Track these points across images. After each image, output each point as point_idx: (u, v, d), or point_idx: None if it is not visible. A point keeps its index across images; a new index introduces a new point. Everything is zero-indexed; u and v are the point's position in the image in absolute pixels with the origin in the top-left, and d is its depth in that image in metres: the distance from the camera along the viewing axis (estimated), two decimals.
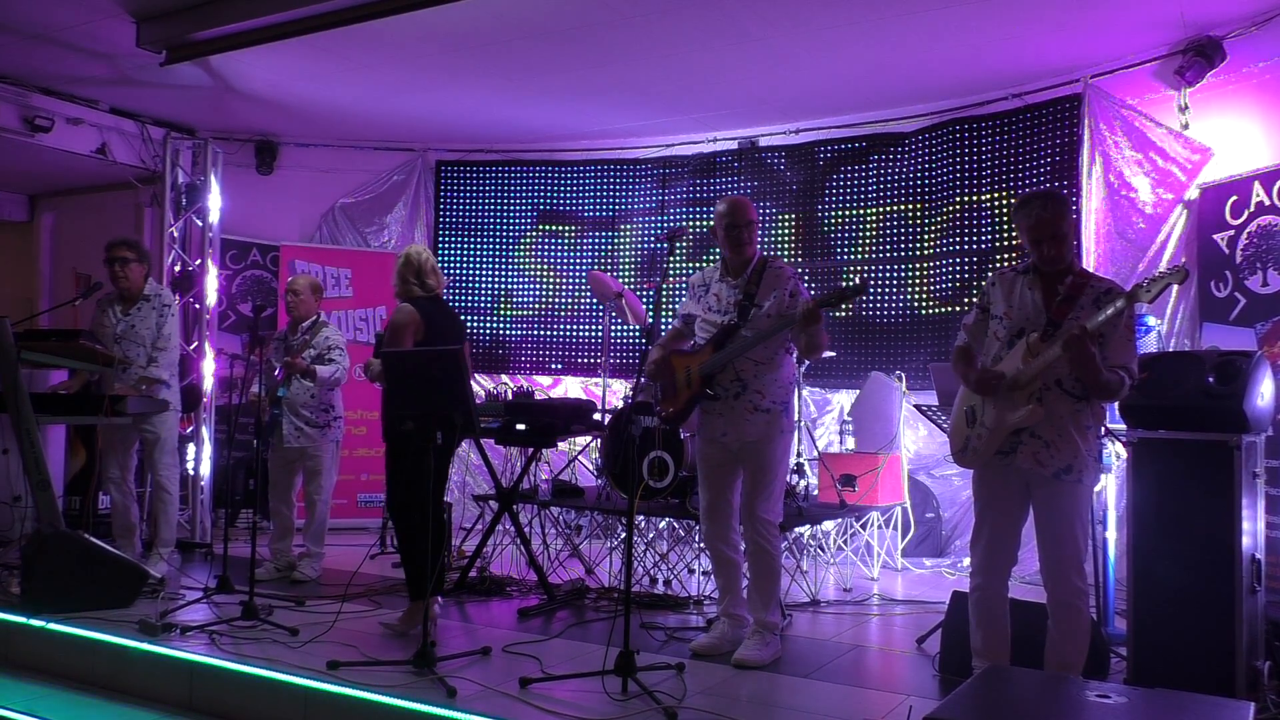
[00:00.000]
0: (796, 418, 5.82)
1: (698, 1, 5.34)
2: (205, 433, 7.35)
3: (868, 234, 7.27)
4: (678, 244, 7.57)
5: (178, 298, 7.50)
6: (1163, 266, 5.85)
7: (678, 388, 4.24)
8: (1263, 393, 3.71)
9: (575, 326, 8.25)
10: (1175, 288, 5.75)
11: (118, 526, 5.66)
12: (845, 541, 6.04)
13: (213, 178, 7.66)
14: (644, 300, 7.10)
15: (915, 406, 5.96)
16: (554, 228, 8.34)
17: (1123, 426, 3.99)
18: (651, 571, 5.67)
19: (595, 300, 7.63)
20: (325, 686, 3.61)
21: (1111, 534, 4.70)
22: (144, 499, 6.06)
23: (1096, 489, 4.62)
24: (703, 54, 6.10)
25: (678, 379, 4.24)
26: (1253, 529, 3.62)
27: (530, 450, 5.62)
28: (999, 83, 6.52)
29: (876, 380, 6.73)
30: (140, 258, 5.65)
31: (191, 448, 7.37)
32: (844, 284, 3.82)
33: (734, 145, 7.75)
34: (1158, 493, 3.73)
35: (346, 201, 8.36)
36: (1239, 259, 5.32)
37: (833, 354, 7.07)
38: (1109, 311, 3.23)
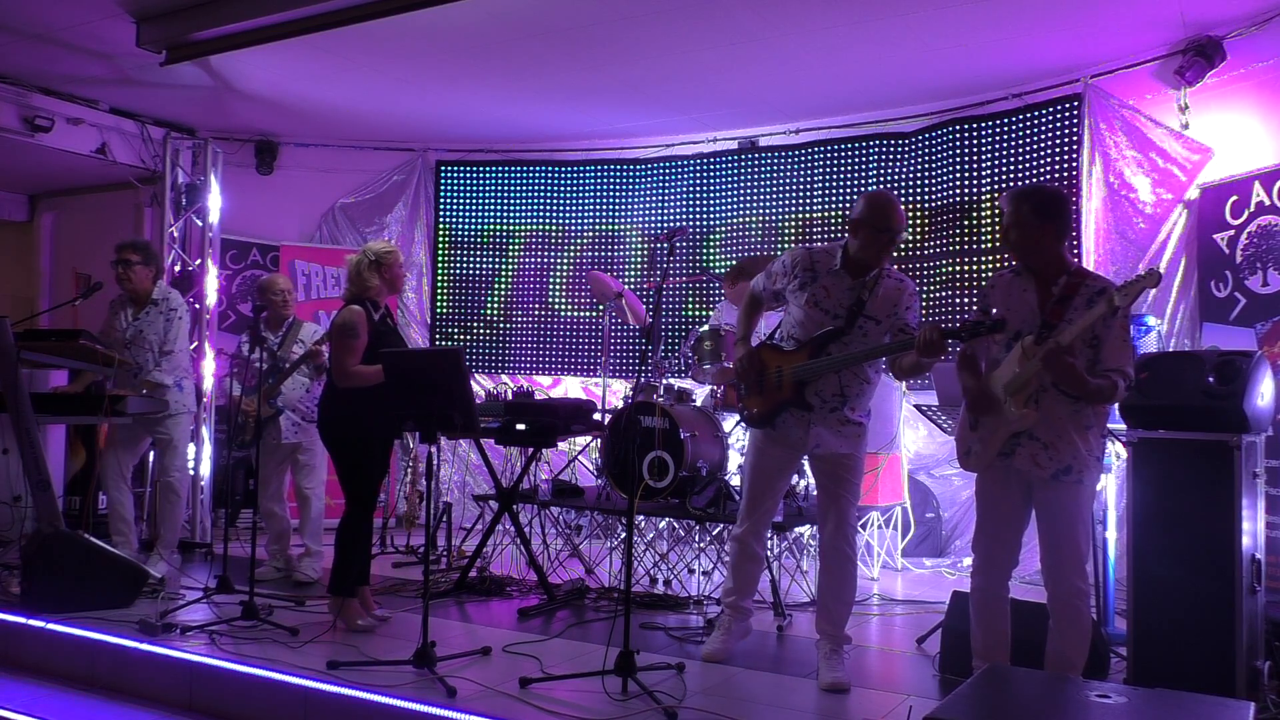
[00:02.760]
0: None
1: (698, 1, 5.34)
2: (205, 433, 7.34)
3: None
4: (677, 244, 7.56)
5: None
6: (1163, 266, 5.85)
7: (766, 388, 3.95)
8: (1263, 393, 3.71)
9: (575, 326, 8.25)
10: (1175, 289, 5.78)
11: (114, 526, 5.65)
12: None
13: (213, 178, 7.65)
14: (644, 300, 7.10)
15: (915, 406, 5.96)
16: (554, 228, 8.34)
17: (1123, 426, 3.99)
18: (651, 571, 5.66)
19: (595, 300, 7.62)
20: (325, 686, 3.61)
21: (1111, 534, 4.70)
22: (143, 499, 6.06)
23: (1097, 488, 4.62)
24: (703, 54, 6.10)
25: (767, 378, 3.95)
26: (1253, 529, 3.62)
27: (530, 450, 5.62)
28: (999, 83, 6.52)
29: None
30: (146, 260, 5.61)
31: (191, 447, 7.36)
32: (983, 320, 3.46)
33: (734, 145, 7.74)
34: (1158, 493, 3.73)
35: (346, 201, 8.36)
36: (1239, 259, 5.32)
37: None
38: (1091, 315, 3.21)
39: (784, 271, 3.99)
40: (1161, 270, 5.84)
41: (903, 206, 3.94)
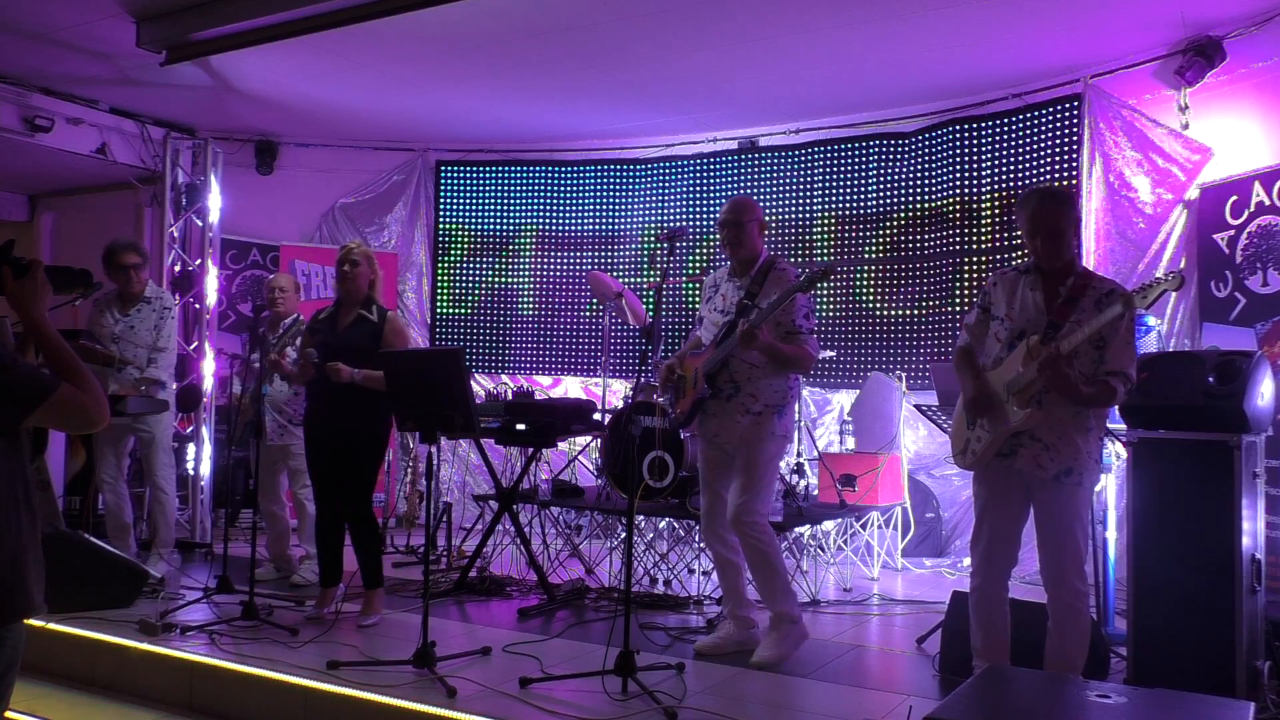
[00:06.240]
0: (796, 418, 5.82)
1: (699, 1, 5.34)
2: (205, 433, 7.35)
3: (867, 233, 7.27)
4: (677, 244, 7.56)
5: (177, 298, 7.53)
6: (1163, 267, 5.85)
7: (686, 390, 4.31)
8: (1263, 393, 3.71)
9: (575, 326, 8.25)
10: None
11: (112, 526, 5.64)
12: (845, 541, 6.04)
13: (213, 178, 7.66)
14: (644, 300, 7.10)
15: (915, 406, 5.96)
16: (554, 227, 8.34)
17: (1123, 426, 3.99)
18: (651, 571, 5.66)
19: (595, 300, 7.63)
20: (325, 686, 3.61)
21: (1111, 534, 4.70)
22: (142, 499, 6.06)
23: (1096, 489, 4.62)
24: (703, 54, 6.10)
25: (686, 381, 4.32)
26: (1253, 529, 3.62)
27: (530, 450, 5.62)
28: (999, 83, 6.52)
29: (876, 380, 6.73)
30: (145, 260, 5.70)
31: (191, 448, 7.37)
32: (816, 271, 3.96)
33: (734, 145, 7.74)
34: (1158, 493, 3.72)
35: (346, 201, 8.36)
36: (1239, 259, 5.32)
37: (832, 354, 7.09)
38: (1104, 318, 3.21)
39: (703, 298, 4.44)
40: (1161, 270, 5.86)
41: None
